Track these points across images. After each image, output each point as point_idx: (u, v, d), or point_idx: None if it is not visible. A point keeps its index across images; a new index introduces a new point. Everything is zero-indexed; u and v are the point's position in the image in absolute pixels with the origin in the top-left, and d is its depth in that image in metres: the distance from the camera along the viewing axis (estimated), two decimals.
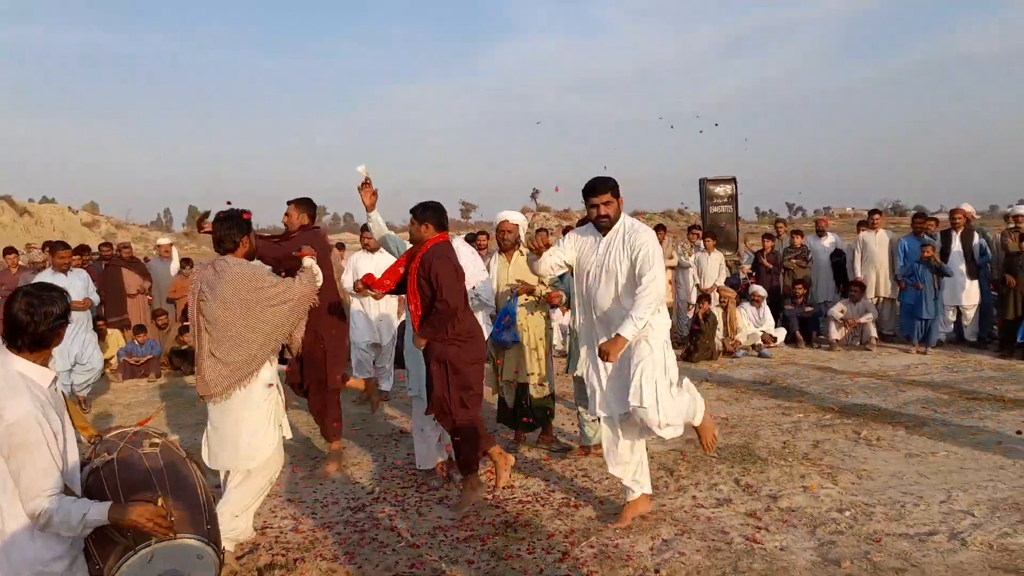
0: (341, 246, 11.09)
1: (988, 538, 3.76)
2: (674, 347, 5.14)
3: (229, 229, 3.83)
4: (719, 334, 9.67)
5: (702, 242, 11.15)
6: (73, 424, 2.62)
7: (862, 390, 7.30)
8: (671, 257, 10.96)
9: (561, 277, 5.29)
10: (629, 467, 4.16)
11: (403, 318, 7.57)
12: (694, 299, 10.68)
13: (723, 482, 4.76)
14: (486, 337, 4.96)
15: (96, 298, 7.39)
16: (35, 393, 2.41)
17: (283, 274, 4.20)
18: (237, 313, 3.69)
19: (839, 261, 10.91)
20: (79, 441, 2.69)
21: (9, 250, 10.00)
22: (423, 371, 4.91)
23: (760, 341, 9.82)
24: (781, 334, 10.15)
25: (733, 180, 13.28)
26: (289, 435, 4.08)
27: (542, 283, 5.35)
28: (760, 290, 10.27)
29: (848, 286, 10.25)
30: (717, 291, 10.28)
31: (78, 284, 6.97)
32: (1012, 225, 9.44)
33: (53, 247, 7.19)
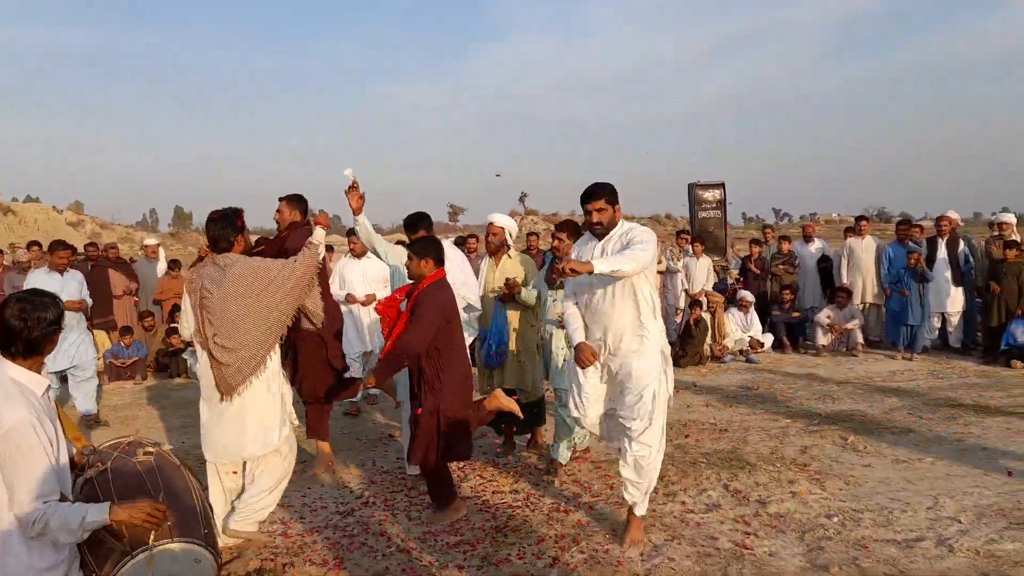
0: (330, 248, 11.03)
1: (975, 544, 3.79)
2: None
3: (223, 229, 3.84)
4: (707, 339, 9.71)
5: (691, 247, 11.19)
6: (65, 434, 2.60)
7: (849, 396, 7.35)
8: (660, 262, 11.00)
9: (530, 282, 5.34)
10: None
11: None
12: (682, 304, 10.73)
13: (712, 487, 4.78)
14: (471, 346, 4.92)
15: (90, 300, 7.29)
16: (30, 400, 2.40)
17: None
18: (246, 303, 3.75)
19: (826, 267, 10.99)
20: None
21: None
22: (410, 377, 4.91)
23: (748, 346, 9.86)
24: (768, 339, 10.20)
25: (722, 185, 13.34)
26: (296, 422, 4.18)
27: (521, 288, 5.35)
28: (748, 295, 10.33)
29: (835, 292, 10.32)
30: (705, 296, 10.33)
31: (73, 285, 6.86)
32: (996, 233, 9.55)
33: (52, 247, 7.05)
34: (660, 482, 4.87)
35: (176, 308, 10.20)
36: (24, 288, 3.48)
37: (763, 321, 10.43)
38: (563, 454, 5.11)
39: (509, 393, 5.56)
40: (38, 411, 2.40)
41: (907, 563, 3.63)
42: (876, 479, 4.85)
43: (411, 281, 4.38)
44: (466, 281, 5.18)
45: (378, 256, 5.28)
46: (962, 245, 9.65)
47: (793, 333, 10.45)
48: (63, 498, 2.44)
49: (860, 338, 9.85)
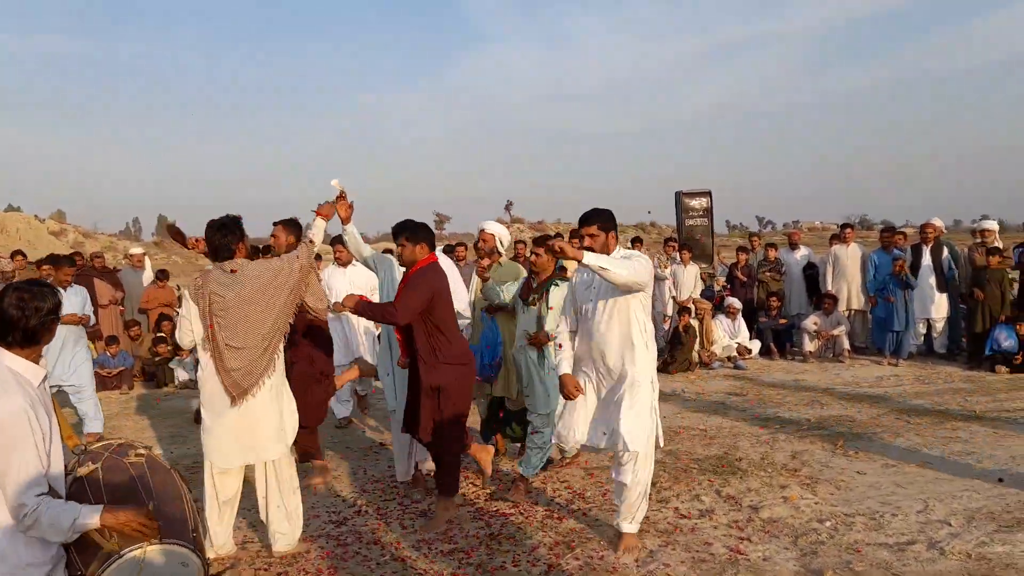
0: (318, 257, 10.98)
1: (966, 547, 3.83)
2: None
3: (225, 237, 3.84)
4: (695, 346, 9.76)
5: (678, 254, 11.25)
6: (60, 431, 2.58)
7: (836, 401, 7.40)
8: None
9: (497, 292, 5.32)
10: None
11: (379, 330, 7.49)
12: (670, 311, 10.78)
13: (704, 493, 4.80)
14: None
15: (93, 319, 7.05)
16: (26, 390, 2.38)
17: None
18: (258, 304, 3.79)
19: (812, 274, 11.07)
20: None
21: None
22: (399, 385, 4.91)
23: (735, 353, 9.92)
24: (755, 346, 10.27)
25: (708, 193, 13.44)
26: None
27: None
28: (735, 302, 10.39)
29: (821, 299, 10.40)
30: (693, 303, 10.38)
31: (75, 300, 6.69)
32: (979, 240, 9.67)
33: (57, 262, 6.88)
34: (653, 488, 4.87)
35: (163, 317, 10.13)
36: None
37: (750, 328, 10.50)
38: (533, 466, 4.88)
39: (499, 402, 5.58)
40: (33, 401, 2.39)
41: (900, 566, 3.66)
42: (866, 484, 4.89)
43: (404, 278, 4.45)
44: (455, 290, 5.17)
45: (369, 267, 5.28)
46: (946, 252, 9.76)
47: (780, 340, 10.53)
48: (56, 494, 2.42)
49: (847, 344, 9.93)
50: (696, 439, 6.13)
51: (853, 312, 10.44)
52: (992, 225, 9.83)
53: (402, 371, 4.74)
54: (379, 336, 7.13)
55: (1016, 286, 9.56)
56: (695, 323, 9.80)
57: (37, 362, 2.51)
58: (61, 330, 6.11)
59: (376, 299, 6.51)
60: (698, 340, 9.80)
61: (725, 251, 27.31)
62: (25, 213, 38.50)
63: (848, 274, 10.36)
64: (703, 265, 12.44)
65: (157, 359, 9.56)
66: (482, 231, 5.67)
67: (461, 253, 10.68)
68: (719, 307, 10.59)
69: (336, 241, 6.85)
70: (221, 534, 3.94)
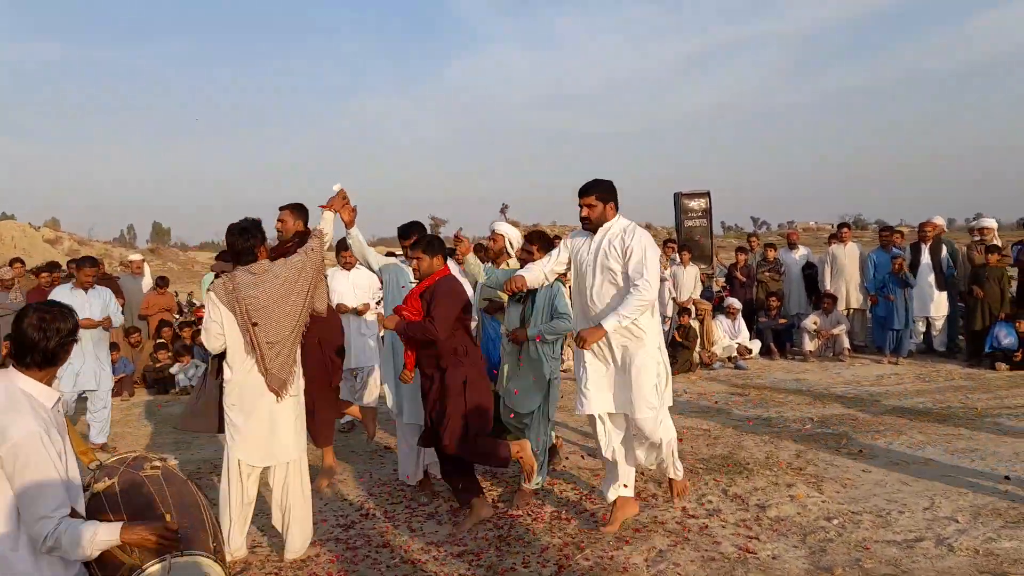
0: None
1: (974, 543, 3.84)
2: None
3: (247, 240, 3.85)
4: (696, 347, 9.78)
5: (678, 255, 11.27)
6: (74, 449, 2.58)
7: (838, 400, 7.43)
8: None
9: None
10: (622, 467, 4.27)
11: (382, 332, 7.47)
12: (670, 312, 10.79)
13: (711, 492, 4.81)
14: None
15: (119, 319, 6.94)
16: (39, 412, 2.38)
17: None
18: (288, 300, 3.87)
19: (811, 274, 11.11)
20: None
21: None
22: (403, 389, 4.91)
23: (736, 353, 9.94)
24: (756, 346, 10.30)
25: (707, 194, 13.44)
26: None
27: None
28: (735, 303, 10.41)
29: (820, 298, 10.44)
30: (693, 304, 10.40)
31: (96, 303, 6.60)
32: (978, 238, 9.71)
33: (79, 263, 6.83)
34: (659, 488, 4.90)
35: (163, 324, 10.12)
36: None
37: (750, 328, 10.53)
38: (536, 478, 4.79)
39: (496, 398, 5.57)
40: (47, 423, 2.39)
41: (909, 563, 3.67)
42: (872, 481, 4.91)
43: (414, 283, 4.52)
44: None
45: (371, 269, 5.29)
46: (945, 250, 9.80)
47: (780, 339, 10.56)
48: (75, 513, 2.42)
49: (847, 343, 9.97)
50: (700, 439, 6.14)
51: (852, 311, 10.48)
52: (991, 223, 9.90)
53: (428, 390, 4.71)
54: (382, 337, 7.14)
55: (1015, 284, 9.63)
56: (695, 324, 9.83)
57: (51, 384, 2.51)
58: (84, 337, 6.10)
59: (379, 300, 6.55)
60: (698, 341, 9.82)
61: (723, 252, 27.38)
62: (19, 221, 38.44)
63: (846, 273, 10.40)
64: (702, 266, 12.46)
65: (158, 366, 9.55)
66: (494, 231, 5.67)
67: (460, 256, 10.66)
68: (719, 307, 10.62)
69: (341, 246, 6.85)
70: (237, 537, 3.95)
